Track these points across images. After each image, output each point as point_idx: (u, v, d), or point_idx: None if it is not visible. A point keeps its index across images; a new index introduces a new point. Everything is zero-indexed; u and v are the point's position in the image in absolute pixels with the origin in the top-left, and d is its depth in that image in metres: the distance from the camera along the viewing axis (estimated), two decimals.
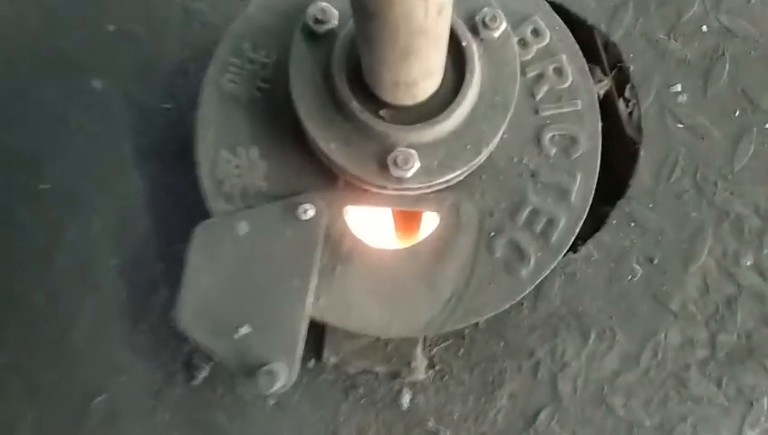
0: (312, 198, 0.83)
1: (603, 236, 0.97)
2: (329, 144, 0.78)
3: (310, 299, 0.81)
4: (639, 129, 0.99)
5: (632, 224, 0.95)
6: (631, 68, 1.01)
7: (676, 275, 0.93)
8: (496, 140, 0.80)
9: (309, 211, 0.83)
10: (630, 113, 1.01)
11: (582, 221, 0.87)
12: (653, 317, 0.93)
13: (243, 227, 0.83)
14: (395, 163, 0.76)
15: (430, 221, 0.90)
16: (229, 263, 0.79)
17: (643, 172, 0.95)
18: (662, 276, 0.93)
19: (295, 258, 0.82)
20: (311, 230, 0.83)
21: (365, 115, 0.75)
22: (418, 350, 0.93)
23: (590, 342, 0.95)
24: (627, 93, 1.02)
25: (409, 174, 0.76)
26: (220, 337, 0.80)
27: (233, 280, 0.78)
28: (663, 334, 0.93)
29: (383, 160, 0.77)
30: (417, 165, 0.76)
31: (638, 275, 0.94)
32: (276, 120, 0.85)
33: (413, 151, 0.76)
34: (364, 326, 0.84)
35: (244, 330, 0.78)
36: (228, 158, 0.85)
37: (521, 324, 0.93)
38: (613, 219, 0.98)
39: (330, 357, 0.92)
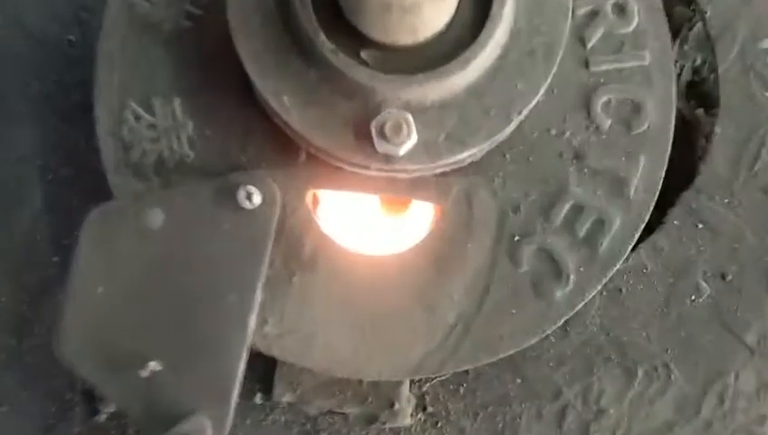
0: (260, 178, 0.58)
1: (659, 240, 0.74)
2: (282, 100, 0.52)
3: (252, 323, 0.57)
4: (715, 97, 0.74)
5: (699, 225, 0.74)
6: (708, 13, 0.75)
7: (756, 296, 0.73)
8: (532, 104, 0.54)
9: (254, 196, 0.57)
10: (703, 77, 0.75)
11: (644, 224, 0.62)
12: (721, 352, 0.72)
13: (156, 216, 0.58)
14: (381, 133, 0.50)
15: (428, 216, 0.65)
16: (135, 267, 0.58)
17: (717, 156, 0.74)
18: (737, 298, 0.73)
19: (233, 263, 0.58)
20: (256, 223, 0.58)
21: (339, 58, 0.50)
22: (404, 387, 0.69)
23: (636, 382, 0.72)
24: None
25: (403, 150, 0.51)
26: (119, 375, 0.57)
27: (140, 293, 0.57)
28: (733, 376, 0.73)
29: (364, 128, 0.51)
30: (415, 137, 0.51)
31: (705, 295, 0.74)
32: (211, 61, 0.59)
33: (409, 116, 0.51)
34: (330, 364, 0.60)
35: (155, 366, 0.56)
36: (139, 113, 0.59)
37: (544, 356, 0.72)
38: (674, 218, 0.74)
39: (283, 393, 0.67)
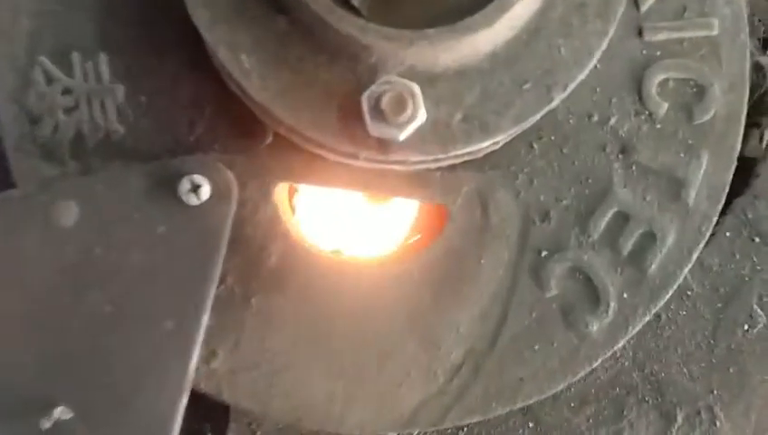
0: (211, 165, 0.44)
1: (707, 256, 0.63)
2: (239, 58, 0.38)
3: (195, 357, 0.44)
4: None
5: (756, 239, 0.64)
6: None
7: None
8: (581, 76, 0.40)
9: (202, 189, 0.43)
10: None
11: (706, 239, 0.48)
12: None
13: (69, 211, 0.44)
14: (376, 109, 0.36)
15: (429, 219, 0.51)
16: (40, 278, 0.44)
17: None
18: None
19: (171, 278, 0.44)
20: (204, 225, 0.44)
21: (319, 1, 0.35)
22: None
23: (674, 429, 0.61)
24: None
25: (404, 133, 0.37)
26: (12, 424, 0.43)
27: (45, 312, 0.43)
28: None
29: (353, 102, 0.37)
30: (422, 116, 0.37)
31: (761, 323, 0.63)
32: (150, 7, 0.44)
33: (415, 88, 0.37)
34: (297, 413, 0.46)
35: (62, 413, 0.42)
36: (52, 73, 0.45)
37: (562, 395, 0.60)
38: (725, 230, 0.62)
39: None
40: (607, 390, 0.60)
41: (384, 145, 0.38)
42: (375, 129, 0.37)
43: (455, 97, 0.39)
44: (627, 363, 0.60)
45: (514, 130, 0.41)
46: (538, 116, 0.41)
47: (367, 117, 0.37)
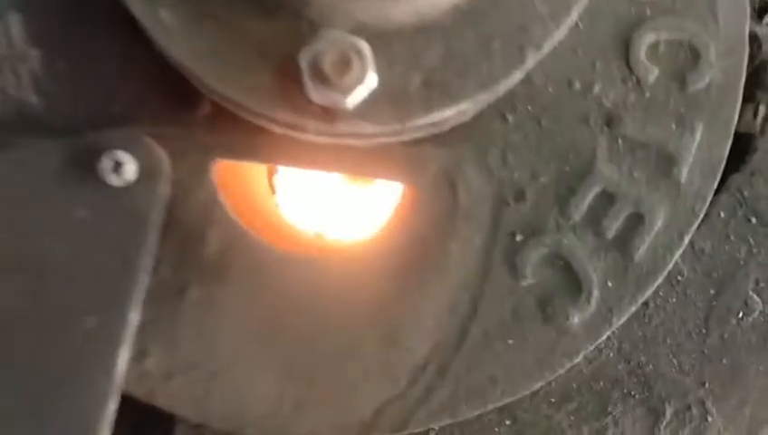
0: (136, 139, 0.38)
1: (699, 238, 0.57)
2: (158, 14, 0.32)
3: (123, 358, 0.39)
4: None
5: (752, 219, 0.58)
6: None
7: None
8: (559, 35, 0.35)
9: (126, 167, 0.38)
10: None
11: (698, 222, 0.44)
12: None
13: None
14: (317, 71, 0.31)
15: (391, 200, 0.46)
16: None
17: None
18: None
19: (92, 269, 0.38)
20: (129, 208, 0.39)
21: None
22: None
23: (662, 424, 0.57)
24: None
25: (352, 99, 0.31)
26: None
27: None
28: None
29: (292, 63, 0.32)
30: (373, 80, 0.31)
31: (757, 311, 0.57)
32: None
33: (363, 45, 0.31)
34: (241, 419, 0.41)
35: None
36: None
37: (541, 389, 0.53)
38: (719, 209, 0.57)
39: None
40: (589, 383, 0.55)
41: (330, 114, 0.33)
42: (317, 94, 0.31)
43: (412, 58, 0.33)
44: (611, 355, 0.55)
45: (483, 97, 0.35)
46: (510, 80, 0.35)
47: (306, 79, 0.31)
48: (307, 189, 0.64)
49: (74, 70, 0.40)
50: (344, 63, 0.31)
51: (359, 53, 0.31)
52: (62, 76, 0.40)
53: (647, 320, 0.56)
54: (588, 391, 0.56)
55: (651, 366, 0.56)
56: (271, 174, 0.62)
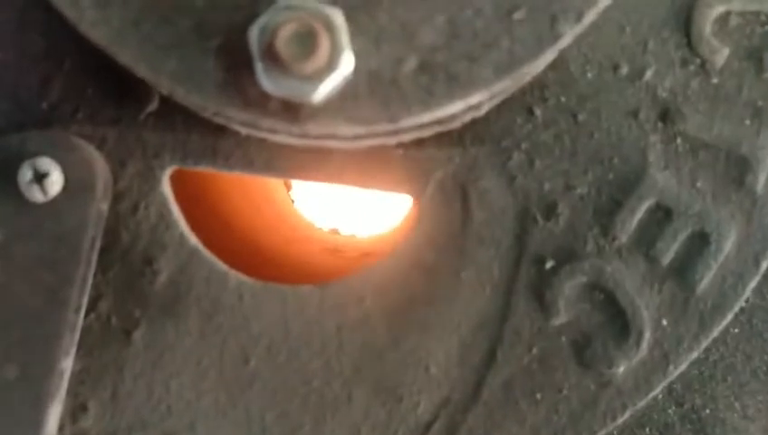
0: (66, 142, 0.30)
1: None
2: None
3: (51, 415, 0.31)
4: None
5: None
6: None
7: None
8: (604, 1, 0.25)
9: (49, 178, 0.30)
10: None
11: None
12: None
13: None
14: (269, 51, 0.22)
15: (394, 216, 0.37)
16: None
17: None
18: None
19: (11, 305, 0.30)
20: (55, 229, 0.30)
21: None
22: None
23: None
24: None
25: (319, 89, 0.22)
26: None
27: None
28: None
29: (241, 42, 0.23)
30: (348, 62, 0.23)
31: None
32: None
33: (333, 15, 0.22)
34: None
35: None
36: None
37: None
38: None
39: None
40: (634, 431, 0.47)
41: (293, 110, 0.24)
42: (271, 83, 0.23)
43: (405, 33, 0.25)
44: (660, 397, 0.46)
45: (502, 86, 0.27)
46: (538, 63, 0.26)
47: (257, 64, 0.23)
48: (323, 186, 0.60)
49: None
50: (307, 42, 0.22)
51: (328, 25, 0.22)
52: None
53: (703, 355, 0.47)
54: (641, 424, 0.47)
55: (708, 410, 0.48)
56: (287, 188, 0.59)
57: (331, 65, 0.23)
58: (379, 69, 0.24)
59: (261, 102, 0.24)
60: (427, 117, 0.26)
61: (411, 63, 0.25)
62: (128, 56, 0.25)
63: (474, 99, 0.25)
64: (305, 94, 0.23)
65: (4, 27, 0.33)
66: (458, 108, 0.26)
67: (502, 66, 0.25)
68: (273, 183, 0.57)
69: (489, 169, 0.33)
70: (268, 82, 0.23)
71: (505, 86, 0.27)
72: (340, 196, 0.63)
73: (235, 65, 0.24)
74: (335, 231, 0.59)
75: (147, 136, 0.32)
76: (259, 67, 0.23)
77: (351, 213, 0.63)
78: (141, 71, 0.25)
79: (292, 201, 0.59)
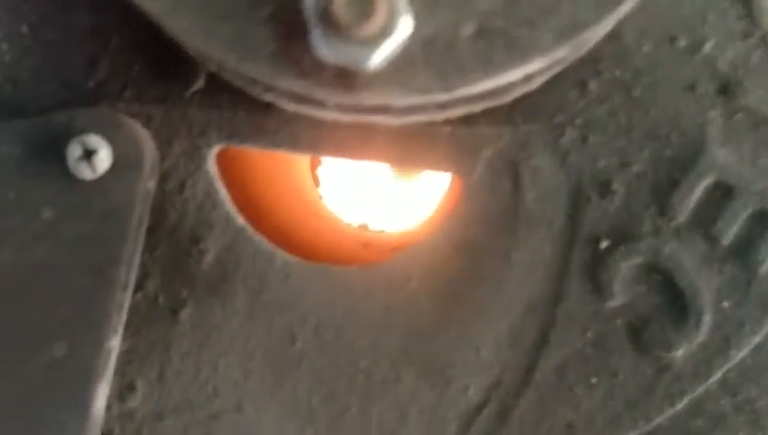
0: (110, 120, 0.29)
1: None
2: None
3: (100, 394, 0.31)
4: None
5: None
6: None
7: None
8: None
9: (98, 155, 0.29)
10: None
11: None
12: None
13: None
14: (325, 15, 0.21)
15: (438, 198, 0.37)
16: None
17: None
18: None
19: (60, 283, 0.30)
20: (103, 207, 0.30)
21: None
22: None
23: None
24: None
25: (376, 54, 0.22)
26: None
27: None
28: None
29: (296, 10, 0.22)
30: (406, 26, 0.22)
31: None
32: None
33: None
34: None
35: None
36: None
37: None
38: None
39: None
40: (686, 422, 0.45)
41: (347, 78, 0.24)
42: (328, 49, 0.22)
43: (466, 4, 0.24)
44: (714, 387, 0.45)
45: (561, 54, 0.26)
46: (598, 31, 0.25)
47: (313, 30, 0.22)
48: (351, 180, 0.58)
49: (40, 34, 0.32)
50: (364, 4, 0.21)
51: None
52: (26, 43, 0.32)
53: (760, 341, 0.45)
54: (683, 431, 0.45)
55: (764, 401, 0.46)
56: (314, 166, 0.57)
57: (388, 29, 0.22)
58: (436, 35, 0.24)
59: (315, 72, 0.24)
60: (484, 85, 0.25)
61: (469, 29, 0.24)
62: (180, 27, 0.24)
63: (533, 66, 0.24)
64: (361, 60, 0.22)
65: (50, 7, 0.33)
66: (516, 76, 0.25)
67: (563, 31, 0.24)
68: (302, 178, 0.56)
69: (541, 147, 0.32)
70: (324, 48, 0.22)
71: (564, 54, 0.26)
72: (368, 191, 0.62)
73: (289, 33, 0.23)
74: (364, 227, 0.59)
75: (193, 114, 0.32)
76: (315, 32, 0.22)
77: (380, 208, 0.62)
78: (194, 42, 0.24)
79: (320, 197, 0.58)
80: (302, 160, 0.55)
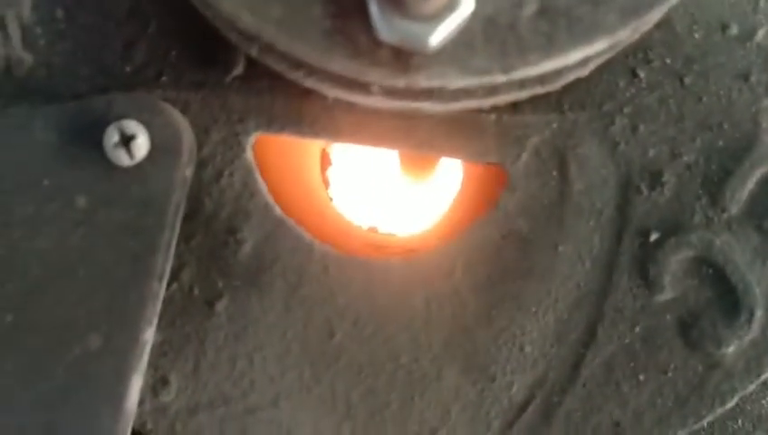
0: (152, 105, 0.29)
1: None
2: None
3: (134, 387, 0.30)
4: None
5: None
6: None
7: None
8: None
9: (136, 141, 0.29)
10: None
11: None
12: None
13: None
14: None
15: (480, 187, 0.36)
16: None
17: None
18: None
19: (95, 273, 0.29)
20: (141, 194, 0.29)
21: None
22: None
23: None
24: None
25: (437, 32, 0.21)
26: None
27: None
28: None
29: None
30: (468, 5, 0.21)
31: None
32: None
33: None
34: None
35: None
36: None
37: None
38: None
39: None
40: (724, 422, 0.44)
41: (403, 60, 0.23)
42: (387, 28, 0.21)
43: None
44: (754, 387, 0.44)
45: (623, 36, 0.25)
46: (662, 9, 0.24)
47: (373, 7, 0.21)
48: (361, 182, 0.57)
49: (76, 18, 0.31)
50: None
51: None
52: (61, 27, 0.31)
53: None
54: (722, 431, 0.44)
55: None
56: (324, 167, 0.56)
57: (450, 6, 0.21)
58: (497, 14, 0.23)
59: (370, 51, 0.23)
60: (544, 66, 0.24)
61: (531, 8, 0.23)
62: (228, 6, 0.23)
63: (596, 47, 0.23)
64: (421, 38, 0.21)
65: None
66: (577, 57, 0.24)
67: (627, 11, 0.23)
68: (312, 179, 0.55)
69: (589, 135, 0.31)
70: (383, 25, 0.21)
71: (627, 35, 0.25)
72: (378, 194, 0.61)
73: (344, 12, 0.23)
74: (374, 229, 0.58)
75: (231, 101, 0.31)
76: (373, 8, 0.21)
77: (390, 211, 0.62)
78: (243, 21, 0.24)
79: (330, 199, 0.58)
80: (312, 162, 0.54)
